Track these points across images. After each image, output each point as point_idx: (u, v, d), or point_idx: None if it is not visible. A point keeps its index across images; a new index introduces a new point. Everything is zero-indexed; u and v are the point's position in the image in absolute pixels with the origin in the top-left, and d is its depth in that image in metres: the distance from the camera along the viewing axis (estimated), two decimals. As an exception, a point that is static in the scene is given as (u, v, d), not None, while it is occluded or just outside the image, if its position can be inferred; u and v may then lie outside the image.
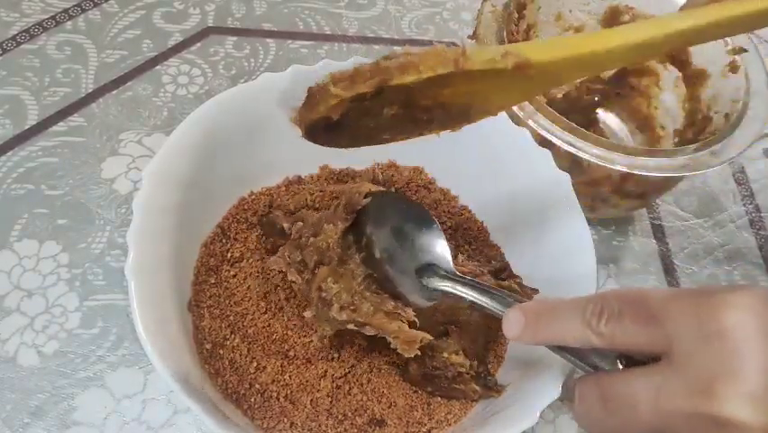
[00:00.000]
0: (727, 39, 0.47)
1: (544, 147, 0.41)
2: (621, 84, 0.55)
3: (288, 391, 0.38)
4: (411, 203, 0.36)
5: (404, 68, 0.28)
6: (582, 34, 0.30)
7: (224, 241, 0.43)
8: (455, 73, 0.28)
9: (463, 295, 0.34)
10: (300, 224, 0.40)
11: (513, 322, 0.29)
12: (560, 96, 0.57)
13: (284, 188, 0.46)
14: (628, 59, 0.29)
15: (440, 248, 0.36)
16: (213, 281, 0.41)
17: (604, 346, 0.26)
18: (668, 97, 0.53)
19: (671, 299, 0.25)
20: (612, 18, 0.52)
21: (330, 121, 0.29)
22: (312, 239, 0.38)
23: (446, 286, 0.35)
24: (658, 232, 0.53)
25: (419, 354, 0.35)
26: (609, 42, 0.29)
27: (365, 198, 0.37)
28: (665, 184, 0.47)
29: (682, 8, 0.32)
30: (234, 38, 0.58)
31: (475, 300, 0.33)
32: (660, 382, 0.24)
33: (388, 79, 0.28)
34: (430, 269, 0.36)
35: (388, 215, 0.37)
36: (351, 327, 0.36)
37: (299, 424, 0.37)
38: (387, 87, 0.28)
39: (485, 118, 0.31)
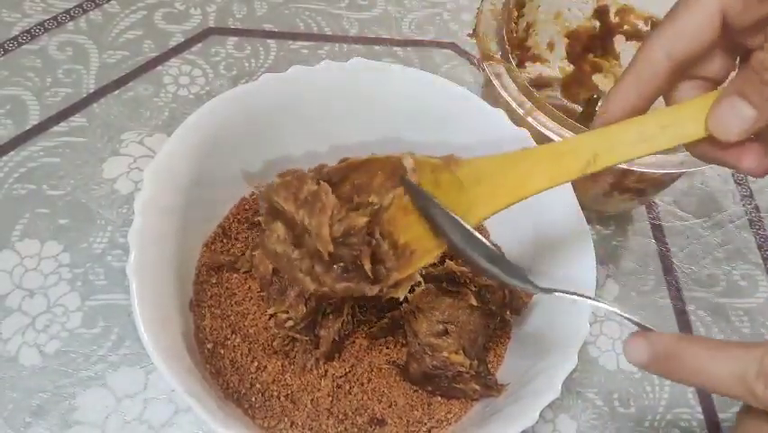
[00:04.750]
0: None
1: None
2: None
3: (289, 391, 0.38)
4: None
5: (343, 163, 0.33)
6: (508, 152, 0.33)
7: (225, 241, 0.43)
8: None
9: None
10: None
11: (636, 351, 0.28)
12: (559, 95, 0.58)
13: (284, 189, 0.46)
14: (549, 171, 0.31)
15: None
16: (214, 281, 0.41)
17: (761, 407, 0.26)
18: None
19: None
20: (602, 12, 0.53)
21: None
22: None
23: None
24: (657, 232, 0.53)
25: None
26: (531, 150, 0.31)
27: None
28: (664, 181, 0.47)
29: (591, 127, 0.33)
30: (235, 38, 0.58)
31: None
32: None
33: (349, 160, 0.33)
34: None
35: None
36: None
37: (300, 423, 0.37)
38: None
39: (427, 260, 0.33)
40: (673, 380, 0.28)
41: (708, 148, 0.29)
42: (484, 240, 0.32)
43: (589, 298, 0.32)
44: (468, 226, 0.31)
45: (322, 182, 0.35)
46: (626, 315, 0.30)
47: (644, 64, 0.30)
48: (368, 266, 0.33)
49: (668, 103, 0.32)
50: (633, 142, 0.29)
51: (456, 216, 0.31)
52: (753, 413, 0.27)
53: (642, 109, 0.30)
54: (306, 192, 0.35)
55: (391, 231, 0.33)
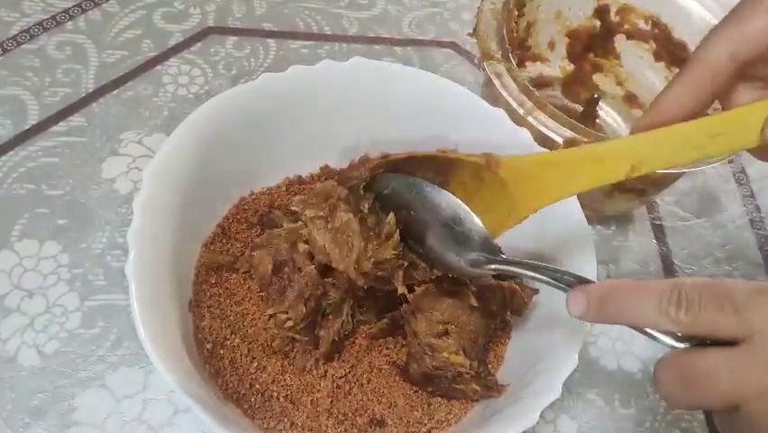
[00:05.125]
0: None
1: (544, 144, 0.41)
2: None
3: (289, 392, 0.38)
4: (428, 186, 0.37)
5: (407, 157, 0.34)
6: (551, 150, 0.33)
7: (224, 241, 0.43)
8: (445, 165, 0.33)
9: (520, 273, 0.34)
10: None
11: (575, 303, 0.30)
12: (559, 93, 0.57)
13: (284, 188, 0.46)
14: (590, 174, 0.31)
15: (479, 234, 0.35)
16: (213, 281, 0.41)
17: (678, 331, 0.28)
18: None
19: (755, 293, 0.26)
20: (602, 11, 0.53)
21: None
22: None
23: (500, 267, 0.34)
24: (658, 232, 0.53)
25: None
26: (571, 151, 0.31)
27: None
28: (665, 180, 0.47)
29: (631, 132, 0.33)
30: (235, 38, 0.58)
31: (533, 277, 0.33)
32: (739, 362, 0.26)
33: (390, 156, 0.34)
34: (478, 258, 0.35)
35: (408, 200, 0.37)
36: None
37: (300, 424, 0.37)
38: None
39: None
40: (610, 323, 0.30)
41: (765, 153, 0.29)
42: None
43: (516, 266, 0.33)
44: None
45: (351, 216, 0.36)
46: (558, 272, 0.31)
47: (703, 65, 0.29)
48: (401, 290, 0.36)
49: (724, 105, 0.31)
50: (680, 150, 0.29)
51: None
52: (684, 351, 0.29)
53: (696, 112, 0.30)
54: (337, 221, 0.36)
55: None
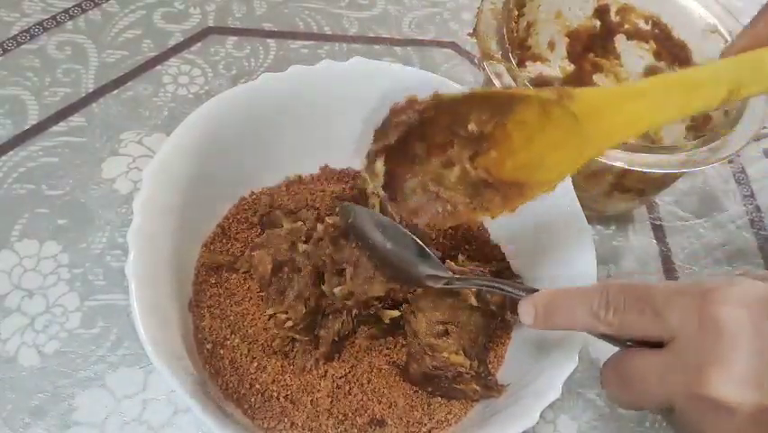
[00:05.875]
0: (726, 36, 0.48)
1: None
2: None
3: (289, 392, 0.38)
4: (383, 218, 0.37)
5: (462, 94, 0.31)
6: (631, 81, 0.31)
7: (224, 241, 0.43)
8: (506, 103, 0.30)
9: (473, 286, 0.35)
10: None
11: (525, 313, 0.32)
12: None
13: (284, 188, 0.46)
14: (678, 104, 0.28)
15: (431, 263, 0.36)
16: (213, 281, 0.41)
17: (611, 333, 0.29)
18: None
19: (674, 294, 0.27)
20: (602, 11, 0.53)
21: (398, 169, 0.32)
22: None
23: (454, 285, 0.36)
24: (658, 232, 0.53)
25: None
26: (653, 80, 0.29)
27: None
28: (665, 180, 0.47)
29: (722, 55, 0.32)
30: (235, 38, 0.58)
31: (484, 286, 0.34)
32: (665, 365, 0.27)
33: (443, 96, 0.31)
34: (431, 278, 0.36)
35: (370, 231, 0.37)
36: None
37: (300, 424, 0.37)
38: (448, 123, 0.31)
39: (542, 192, 0.32)
40: (557, 329, 0.32)
41: None
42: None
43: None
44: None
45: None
46: (508, 286, 0.33)
47: None
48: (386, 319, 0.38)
49: None
50: None
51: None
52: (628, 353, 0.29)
53: None
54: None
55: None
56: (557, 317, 0.30)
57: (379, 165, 0.32)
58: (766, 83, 0.28)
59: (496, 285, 0.34)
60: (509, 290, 0.33)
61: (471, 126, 0.31)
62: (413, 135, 0.32)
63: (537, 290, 0.32)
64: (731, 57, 0.29)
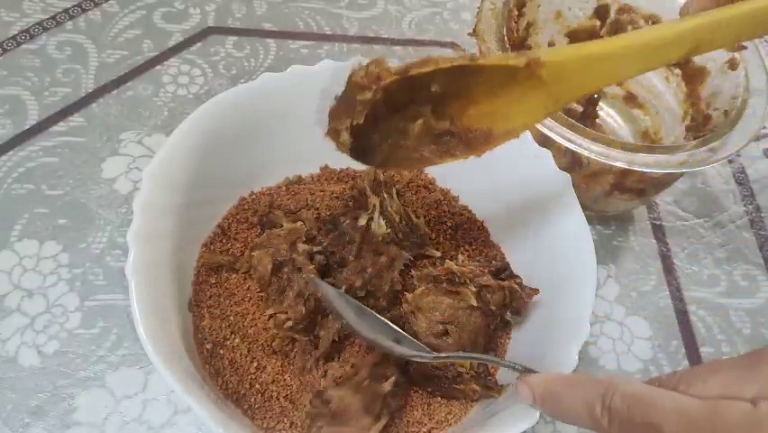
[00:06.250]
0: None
1: (543, 144, 0.41)
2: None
3: (289, 391, 0.38)
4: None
5: (424, 62, 0.29)
6: (593, 41, 0.31)
7: (224, 241, 0.43)
8: (470, 71, 0.29)
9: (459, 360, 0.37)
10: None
11: (524, 397, 0.31)
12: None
13: (284, 188, 0.46)
14: (641, 63, 0.29)
15: (410, 345, 0.37)
16: (213, 281, 0.41)
17: None
18: (667, 94, 0.53)
19: (689, 428, 0.24)
20: (602, 11, 0.53)
21: (362, 128, 0.31)
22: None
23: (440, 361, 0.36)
24: (658, 232, 0.53)
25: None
26: (619, 42, 0.29)
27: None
28: (665, 180, 0.47)
29: (681, 13, 0.32)
30: (235, 38, 0.58)
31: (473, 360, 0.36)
32: None
33: (410, 69, 0.29)
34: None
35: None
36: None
37: (299, 424, 0.37)
38: (412, 93, 0.30)
39: (507, 140, 0.32)
40: (555, 418, 0.30)
41: None
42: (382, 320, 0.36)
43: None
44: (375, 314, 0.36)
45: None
46: (510, 364, 0.33)
47: None
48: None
49: None
50: (745, 28, 0.28)
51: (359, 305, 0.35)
52: None
53: None
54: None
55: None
56: (556, 410, 0.29)
57: (345, 136, 0.31)
58: (722, 42, 0.29)
59: (486, 359, 0.35)
60: (503, 364, 0.33)
61: (435, 87, 0.31)
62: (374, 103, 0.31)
63: (533, 371, 0.31)
64: (692, 16, 0.29)
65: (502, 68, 0.30)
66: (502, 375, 0.40)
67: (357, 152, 0.32)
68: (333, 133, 0.31)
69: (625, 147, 0.41)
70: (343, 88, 0.31)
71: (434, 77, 0.30)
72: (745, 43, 0.46)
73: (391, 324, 0.37)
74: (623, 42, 0.29)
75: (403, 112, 0.31)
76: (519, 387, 0.31)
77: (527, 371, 0.32)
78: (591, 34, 0.55)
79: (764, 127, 0.49)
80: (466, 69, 0.30)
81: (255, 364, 0.38)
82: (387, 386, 0.36)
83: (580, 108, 0.56)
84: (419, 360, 0.36)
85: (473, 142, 0.32)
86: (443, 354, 0.36)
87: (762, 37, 0.29)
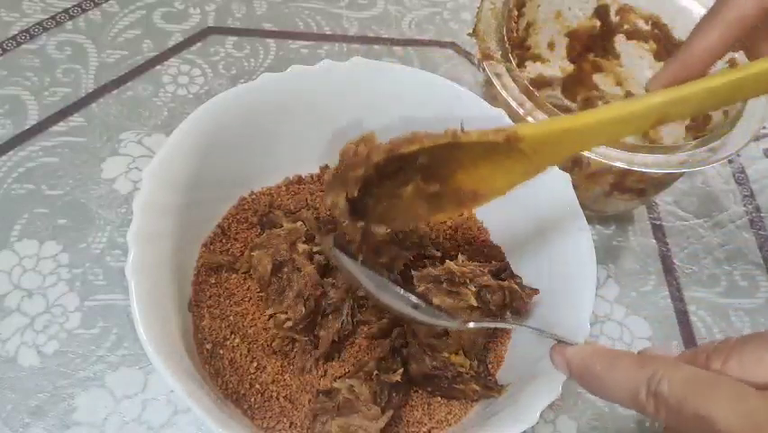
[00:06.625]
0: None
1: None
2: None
3: (288, 391, 0.38)
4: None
5: (409, 141, 0.32)
6: (570, 115, 0.33)
7: (224, 241, 0.43)
8: (455, 145, 0.32)
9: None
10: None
11: (559, 367, 0.31)
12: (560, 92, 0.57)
13: (284, 188, 0.46)
14: (612, 134, 0.32)
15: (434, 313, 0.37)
16: (213, 281, 0.41)
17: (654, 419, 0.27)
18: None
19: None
20: (602, 12, 0.53)
21: (356, 199, 0.34)
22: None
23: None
24: (658, 232, 0.53)
25: None
26: (592, 116, 0.31)
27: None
28: (665, 180, 0.47)
29: (646, 88, 0.36)
30: (235, 38, 0.58)
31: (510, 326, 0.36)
32: None
33: (397, 148, 0.32)
34: None
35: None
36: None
37: (299, 424, 0.37)
38: (401, 162, 0.33)
39: (494, 198, 0.34)
40: (594, 395, 0.29)
41: None
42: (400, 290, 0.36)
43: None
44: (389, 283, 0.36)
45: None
46: (542, 331, 0.33)
47: (731, 6, 0.31)
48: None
49: (750, 56, 0.33)
50: (706, 104, 0.30)
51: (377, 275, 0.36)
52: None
53: (719, 54, 0.32)
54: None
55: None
56: (595, 388, 0.28)
57: (342, 202, 0.34)
58: (686, 114, 0.32)
59: (519, 325, 0.35)
60: (534, 330, 0.34)
61: (422, 160, 0.33)
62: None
63: (566, 341, 0.31)
64: (658, 92, 0.31)
65: (483, 143, 0.32)
66: (502, 375, 0.40)
67: (354, 215, 0.34)
68: (331, 205, 0.34)
69: (625, 147, 0.41)
70: (336, 165, 0.34)
71: (421, 152, 0.33)
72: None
73: (411, 295, 0.36)
74: (596, 117, 0.31)
75: (394, 179, 0.34)
76: (554, 356, 0.31)
77: (561, 341, 0.32)
78: (591, 34, 0.55)
79: (764, 127, 0.49)
80: (450, 144, 0.32)
81: (255, 364, 0.38)
82: (395, 377, 0.36)
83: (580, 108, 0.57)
84: (445, 325, 0.36)
85: (463, 200, 0.35)
86: (466, 319, 0.36)
87: (719, 109, 0.31)
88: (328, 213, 0.44)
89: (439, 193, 0.34)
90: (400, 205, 0.35)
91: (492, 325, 0.37)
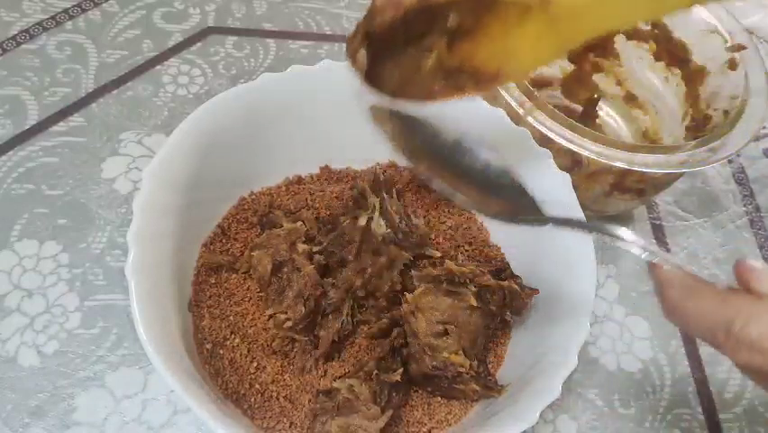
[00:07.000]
0: (726, 36, 0.48)
1: (543, 144, 0.41)
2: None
3: (288, 391, 0.38)
4: None
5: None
6: None
7: (224, 241, 0.43)
8: (487, 5, 0.31)
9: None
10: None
11: (655, 283, 0.30)
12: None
13: (284, 188, 0.46)
14: (652, 5, 0.30)
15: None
16: (213, 281, 0.41)
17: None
18: (667, 94, 0.53)
19: None
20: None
21: (376, 54, 0.32)
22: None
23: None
24: (658, 232, 0.53)
25: None
26: None
27: None
28: (665, 180, 0.47)
29: None
30: (235, 38, 0.58)
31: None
32: None
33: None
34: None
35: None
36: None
37: (299, 424, 0.37)
38: (429, 22, 0.31)
39: (515, 80, 0.33)
40: (676, 323, 0.30)
41: None
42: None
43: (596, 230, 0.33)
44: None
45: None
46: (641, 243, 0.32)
47: None
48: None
49: None
50: None
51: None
52: None
53: None
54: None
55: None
56: (676, 316, 0.29)
57: (362, 54, 0.32)
58: None
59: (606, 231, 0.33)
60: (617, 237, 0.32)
61: (451, 20, 0.32)
62: (393, 27, 0.33)
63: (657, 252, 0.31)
64: None
65: (517, 3, 0.31)
66: (502, 375, 0.40)
67: (370, 77, 0.33)
68: (351, 53, 0.32)
69: (625, 147, 0.41)
70: (365, 14, 0.32)
71: (454, 6, 0.31)
72: (744, 43, 0.46)
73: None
74: None
75: (418, 44, 0.32)
76: (654, 272, 0.30)
77: (653, 254, 0.31)
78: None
79: (764, 127, 0.49)
80: (484, 1, 0.31)
81: (255, 364, 0.38)
82: (395, 377, 0.36)
83: (580, 108, 0.57)
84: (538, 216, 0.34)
85: (482, 79, 0.33)
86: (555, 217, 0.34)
87: None
88: (327, 213, 0.44)
89: (459, 69, 0.33)
90: (418, 79, 0.34)
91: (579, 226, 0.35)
